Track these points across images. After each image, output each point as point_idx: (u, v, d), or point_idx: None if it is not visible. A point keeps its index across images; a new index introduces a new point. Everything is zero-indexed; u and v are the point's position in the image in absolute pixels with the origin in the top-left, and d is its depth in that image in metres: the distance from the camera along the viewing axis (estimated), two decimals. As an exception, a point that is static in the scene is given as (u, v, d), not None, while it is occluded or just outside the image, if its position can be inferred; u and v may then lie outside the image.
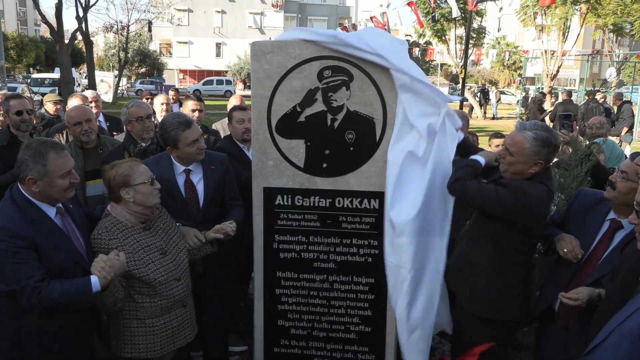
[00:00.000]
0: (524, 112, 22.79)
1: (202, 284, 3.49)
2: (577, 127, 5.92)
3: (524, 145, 2.92)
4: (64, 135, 5.27)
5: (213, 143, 5.59)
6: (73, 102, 5.85)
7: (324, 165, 3.27)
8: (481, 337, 3.15)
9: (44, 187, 2.65)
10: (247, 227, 3.53)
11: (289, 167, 3.31)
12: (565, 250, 2.94)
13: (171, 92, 9.79)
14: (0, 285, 2.55)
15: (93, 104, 6.36)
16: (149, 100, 8.63)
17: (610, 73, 26.54)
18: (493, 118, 29.75)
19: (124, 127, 4.69)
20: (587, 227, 2.99)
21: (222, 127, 6.40)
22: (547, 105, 19.35)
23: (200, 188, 3.56)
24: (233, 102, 6.61)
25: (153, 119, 6.69)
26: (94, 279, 2.64)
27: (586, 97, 16.02)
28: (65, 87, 23.67)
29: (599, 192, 3.12)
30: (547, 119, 15.12)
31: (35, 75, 36.93)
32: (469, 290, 3.18)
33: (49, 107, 6.90)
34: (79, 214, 2.95)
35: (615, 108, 15.60)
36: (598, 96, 15.70)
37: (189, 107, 5.89)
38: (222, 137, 6.30)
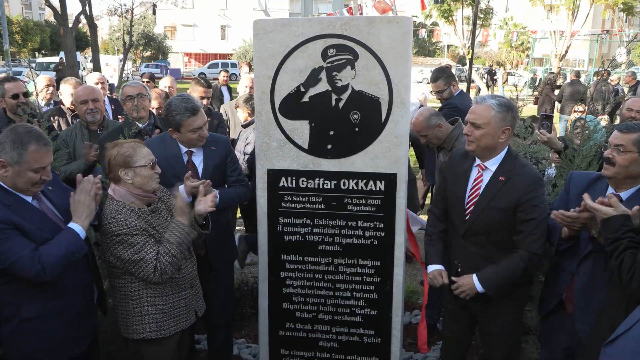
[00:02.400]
0: (532, 93, 22.54)
1: (205, 267, 3.46)
2: (586, 107, 5.83)
3: (490, 114, 2.98)
4: (57, 121, 5.21)
5: (216, 126, 5.52)
6: (66, 88, 5.68)
7: (329, 146, 3.21)
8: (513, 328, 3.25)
9: (13, 175, 2.57)
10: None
11: (293, 148, 3.25)
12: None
13: (223, 74, 9.78)
14: None
15: (99, 86, 6.26)
16: (149, 83, 8.57)
17: (619, 53, 26.18)
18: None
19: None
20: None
21: (230, 108, 6.36)
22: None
23: (201, 169, 3.54)
24: (246, 82, 6.55)
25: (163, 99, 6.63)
26: (72, 225, 2.67)
27: (595, 78, 15.82)
28: (69, 71, 23.60)
29: (591, 173, 3.13)
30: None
31: (40, 60, 36.89)
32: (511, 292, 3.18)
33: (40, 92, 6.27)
34: (58, 198, 2.86)
35: (626, 88, 15.38)
36: (614, 77, 15.43)
37: (196, 94, 5.81)
38: (226, 120, 6.27)
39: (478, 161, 3.14)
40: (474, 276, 3.06)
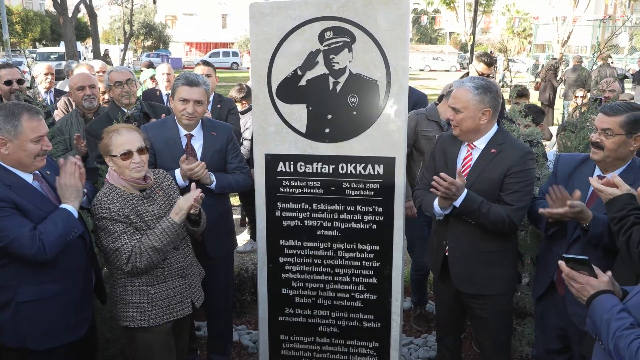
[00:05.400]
0: (535, 80, 22.39)
1: (203, 254, 3.44)
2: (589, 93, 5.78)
3: (467, 97, 3.00)
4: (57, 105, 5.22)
5: (226, 115, 5.42)
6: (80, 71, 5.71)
7: (327, 130, 3.18)
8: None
9: (14, 150, 2.59)
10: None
11: (290, 132, 3.23)
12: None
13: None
14: None
15: (101, 74, 6.22)
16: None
17: (617, 35, 25.93)
18: (503, 86, 29.31)
19: (107, 95, 4.66)
20: (574, 190, 2.93)
21: None
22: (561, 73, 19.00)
23: (200, 153, 3.52)
24: None
25: (156, 87, 6.60)
26: (64, 205, 2.70)
27: (599, 62, 15.68)
28: (70, 61, 23.51)
29: (577, 155, 3.15)
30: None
31: (41, 50, 36.76)
32: (501, 278, 3.19)
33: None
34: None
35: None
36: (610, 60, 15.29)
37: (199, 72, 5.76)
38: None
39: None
40: (466, 190, 2.99)
